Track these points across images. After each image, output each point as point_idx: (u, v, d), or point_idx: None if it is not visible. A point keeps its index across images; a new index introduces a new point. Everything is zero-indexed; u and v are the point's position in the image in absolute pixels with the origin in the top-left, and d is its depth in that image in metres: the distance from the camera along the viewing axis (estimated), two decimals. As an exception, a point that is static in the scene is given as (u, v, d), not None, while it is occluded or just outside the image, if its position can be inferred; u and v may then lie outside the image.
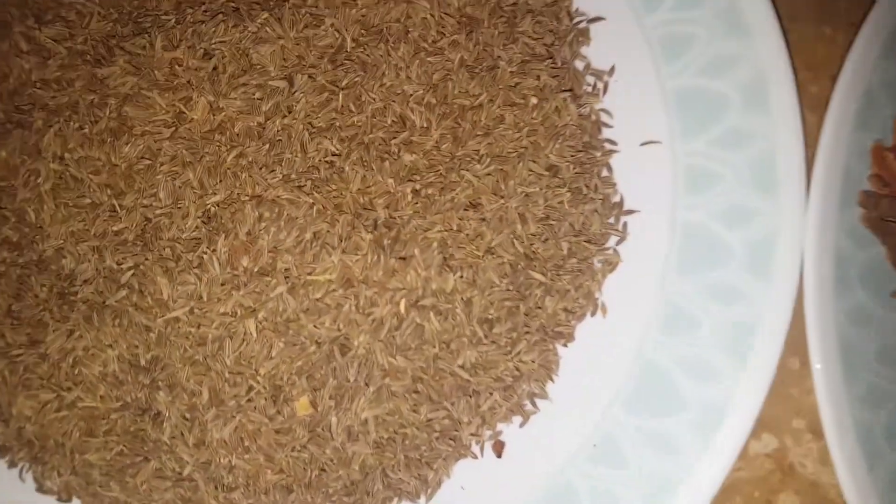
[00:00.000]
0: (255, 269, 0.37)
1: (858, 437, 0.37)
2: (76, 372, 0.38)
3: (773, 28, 0.41)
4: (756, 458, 0.42)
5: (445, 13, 0.41)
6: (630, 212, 0.43)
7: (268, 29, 0.39)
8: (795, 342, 0.41)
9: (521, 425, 0.41)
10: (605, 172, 0.43)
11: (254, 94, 0.39)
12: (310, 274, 0.37)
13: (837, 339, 0.38)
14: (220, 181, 0.38)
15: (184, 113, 0.39)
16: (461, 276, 0.39)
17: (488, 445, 0.41)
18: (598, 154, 0.43)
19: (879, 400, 0.39)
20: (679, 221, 0.41)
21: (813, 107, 0.44)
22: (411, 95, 0.40)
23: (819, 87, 0.45)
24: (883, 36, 0.41)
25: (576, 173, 0.42)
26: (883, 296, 0.40)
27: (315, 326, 0.37)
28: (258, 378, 0.37)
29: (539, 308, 0.41)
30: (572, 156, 0.42)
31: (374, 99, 0.39)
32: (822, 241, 0.39)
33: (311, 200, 0.38)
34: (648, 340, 0.40)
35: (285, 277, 0.37)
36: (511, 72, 0.41)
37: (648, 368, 0.40)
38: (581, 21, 0.44)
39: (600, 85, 0.44)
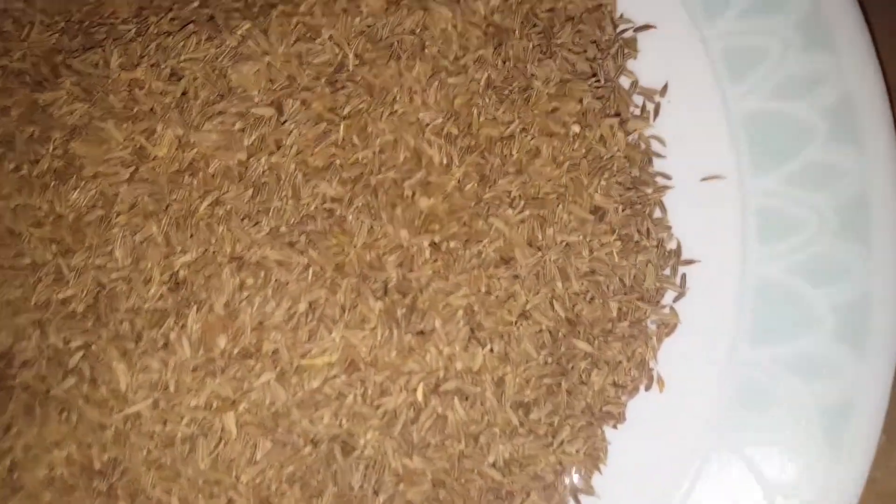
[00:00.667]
0: (236, 351, 0.30)
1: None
2: (14, 477, 0.30)
3: (863, 40, 0.34)
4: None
5: (470, 22, 0.33)
6: (689, 262, 0.36)
7: (250, 43, 0.32)
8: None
9: (562, 529, 0.34)
10: (657, 213, 0.36)
11: (233, 125, 0.31)
12: (304, 356, 0.30)
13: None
14: (191, 236, 0.31)
15: (146, 149, 0.32)
16: (491, 350, 0.32)
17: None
18: (650, 191, 0.36)
19: None
20: (751, 276, 0.34)
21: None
22: (428, 125, 0.32)
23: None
24: None
25: (625, 216, 0.35)
26: None
27: (311, 422, 0.29)
28: (239, 487, 0.29)
29: (584, 384, 0.34)
30: (621, 195, 0.35)
31: (384, 130, 0.32)
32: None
33: (305, 261, 0.30)
34: (721, 424, 0.33)
35: (273, 361, 0.30)
36: (548, 94, 0.34)
37: (726, 461, 0.33)
38: (627, 29, 0.37)
39: (651, 107, 0.37)
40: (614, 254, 0.34)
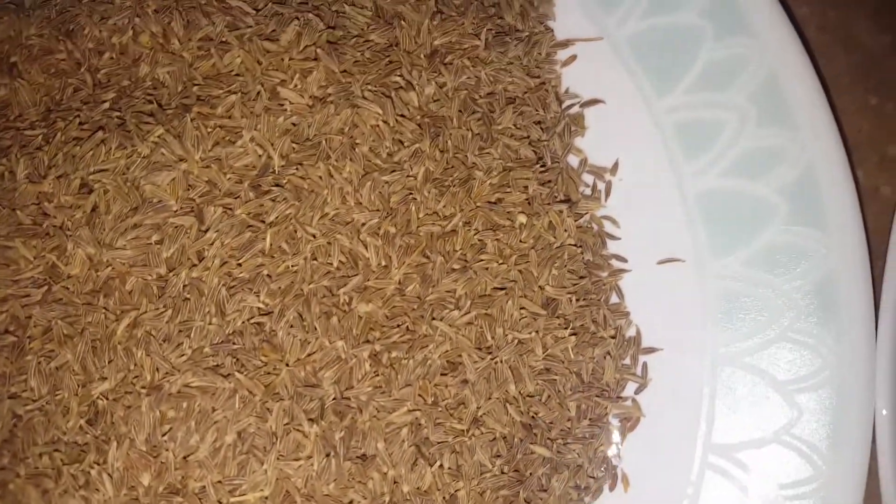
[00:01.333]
0: (161, 489, 0.27)
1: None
2: None
3: (824, 113, 0.32)
4: None
5: (402, 115, 0.31)
6: (651, 350, 0.34)
7: (164, 151, 0.29)
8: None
9: None
10: (614, 298, 0.34)
11: (149, 239, 0.29)
12: (234, 492, 0.27)
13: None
14: (109, 362, 0.28)
15: (58, 267, 0.29)
16: (441, 466, 0.29)
17: None
18: (605, 275, 0.34)
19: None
20: (716, 364, 0.32)
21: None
22: (364, 225, 0.30)
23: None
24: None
25: (580, 306, 0.33)
26: None
27: (246, 564, 0.27)
28: None
29: (544, 490, 0.31)
30: (574, 283, 0.33)
31: (314, 235, 0.30)
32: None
33: (231, 386, 0.28)
34: (686, 527, 0.31)
35: (200, 499, 0.27)
36: (491, 184, 0.32)
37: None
38: (573, 105, 0.35)
39: (601, 185, 0.35)
40: (569, 349, 0.32)
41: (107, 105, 0.31)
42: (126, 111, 0.30)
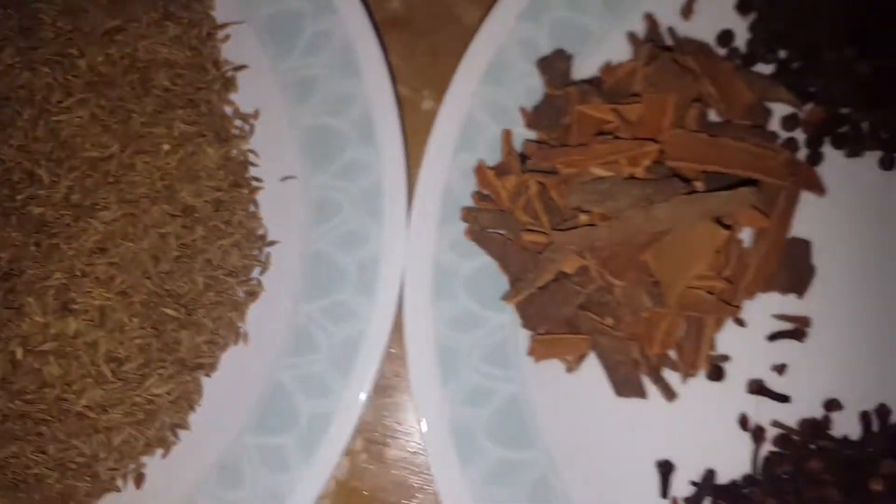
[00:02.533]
0: None
1: (455, 436, 0.40)
2: None
3: (380, 68, 0.44)
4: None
5: (72, 76, 0.44)
6: (272, 243, 0.45)
7: None
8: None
9: (164, 456, 0.43)
10: (252, 208, 0.46)
11: None
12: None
13: (436, 344, 0.41)
14: None
15: None
16: (85, 320, 0.41)
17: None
18: (246, 191, 0.46)
19: (483, 399, 0.41)
20: (309, 250, 0.44)
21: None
22: (41, 153, 0.42)
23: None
24: (485, 63, 0.44)
25: (213, 211, 0.45)
26: (489, 300, 0.42)
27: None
28: None
29: (177, 343, 0.43)
30: (212, 196, 0.45)
31: (3, 160, 0.42)
32: (421, 256, 0.42)
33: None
34: (279, 364, 0.43)
35: None
36: (143, 122, 0.44)
37: (276, 390, 0.42)
38: (228, 69, 0.48)
39: (247, 128, 0.47)
40: (198, 241, 0.44)
41: None
42: None
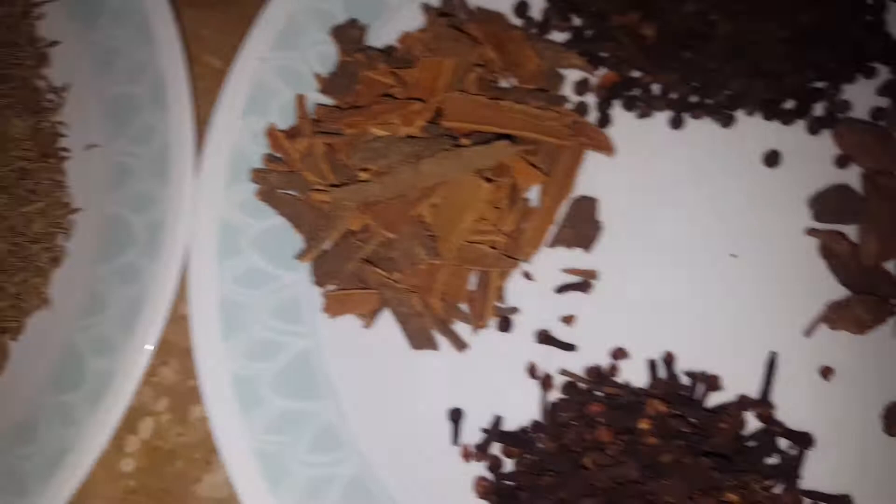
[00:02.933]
0: None
1: (236, 388, 0.41)
2: None
3: (171, 34, 0.46)
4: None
5: None
6: (76, 210, 0.47)
7: None
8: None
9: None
10: (59, 177, 0.47)
11: None
12: None
13: (221, 300, 0.42)
14: None
15: None
16: None
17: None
18: (54, 161, 0.47)
19: (271, 353, 0.43)
20: (105, 214, 0.45)
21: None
22: None
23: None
24: (277, 29, 0.46)
25: (17, 179, 0.46)
26: (281, 258, 0.44)
27: None
28: None
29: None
30: (18, 164, 0.46)
31: None
32: (208, 216, 0.43)
33: None
34: (74, 325, 0.44)
35: None
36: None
37: (70, 350, 0.43)
38: (41, 46, 0.49)
39: (59, 100, 0.48)
40: (1, 208, 0.45)
41: None
42: None
